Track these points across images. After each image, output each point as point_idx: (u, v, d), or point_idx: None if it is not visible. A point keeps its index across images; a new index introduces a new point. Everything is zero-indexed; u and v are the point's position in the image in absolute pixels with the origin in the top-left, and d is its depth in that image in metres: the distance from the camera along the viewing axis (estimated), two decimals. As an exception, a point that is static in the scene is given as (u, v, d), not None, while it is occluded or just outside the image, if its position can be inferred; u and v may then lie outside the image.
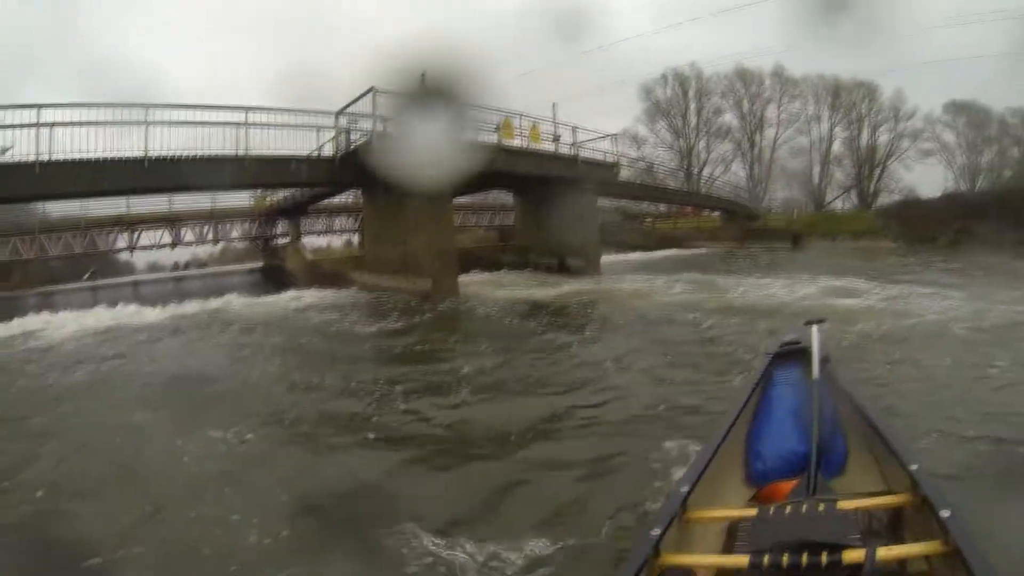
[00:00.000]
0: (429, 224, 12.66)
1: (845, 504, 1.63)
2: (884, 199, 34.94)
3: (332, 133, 13.50)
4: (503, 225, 25.19)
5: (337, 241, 25.35)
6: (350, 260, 16.64)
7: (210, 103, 12.65)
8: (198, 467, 3.70)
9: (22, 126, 10.95)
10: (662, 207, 32.34)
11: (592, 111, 34.23)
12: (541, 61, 53.61)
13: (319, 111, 13.47)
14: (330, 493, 3.27)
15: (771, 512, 1.62)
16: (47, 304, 14.42)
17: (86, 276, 21.99)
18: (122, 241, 19.75)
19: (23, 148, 10.91)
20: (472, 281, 14.20)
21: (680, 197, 29.37)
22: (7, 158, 11.20)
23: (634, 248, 25.56)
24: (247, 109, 12.76)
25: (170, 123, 12.00)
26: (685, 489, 1.82)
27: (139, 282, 20.21)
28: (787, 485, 1.94)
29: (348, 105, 13.36)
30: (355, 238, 22.96)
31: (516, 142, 15.83)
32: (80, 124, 11.24)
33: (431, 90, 11.71)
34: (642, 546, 1.58)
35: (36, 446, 4.22)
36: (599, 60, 48.72)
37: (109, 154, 11.43)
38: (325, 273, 16.54)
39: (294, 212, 20.45)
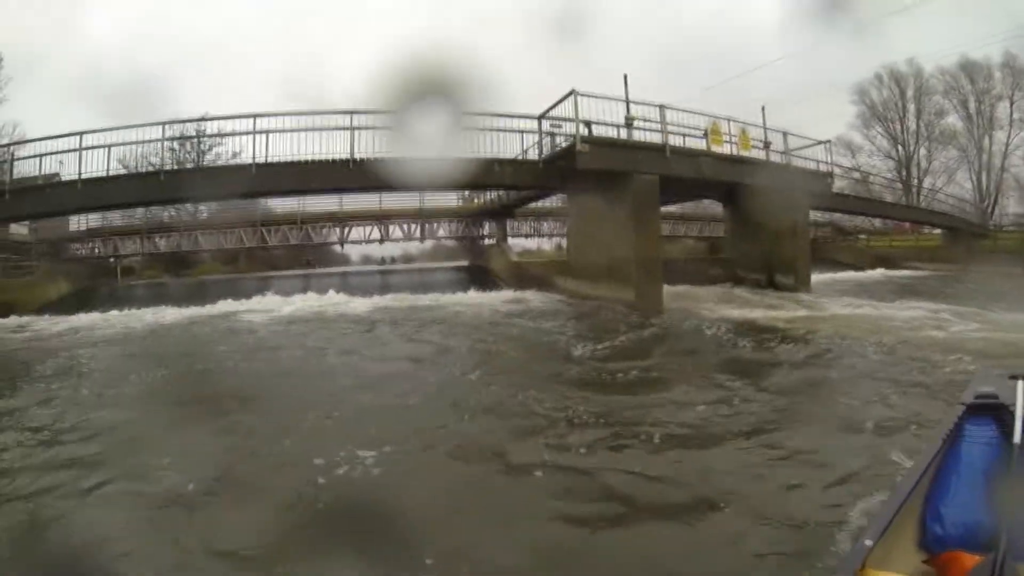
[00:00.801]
0: (635, 232, 11.98)
1: None
2: None
3: (536, 137, 13.41)
4: (712, 236, 23.91)
5: (546, 245, 25.69)
6: (554, 264, 16.49)
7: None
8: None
9: (243, 133, 12.59)
10: (876, 222, 28.75)
11: (802, 117, 31.34)
12: (748, 63, 50.42)
13: (523, 115, 13.44)
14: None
15: None
16: (264, 287, 16.30)
17: (304, 264, 24.58)
18: (334, 235, 21.66)
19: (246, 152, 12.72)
20: (678, 294, 13.19)
21: (898, 211, 25.80)
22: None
23: (845, 266, 22.94)
24: (454, 113, 13.08)
25: (373, 127, 12.70)
26: (868, 543, 1.71)
27: (348, 273, 21.97)
28: (967, 559, 1.72)
29: (550, 108, 13.17)
30: (563, 242, 22.50)
31: (724, 148, 14.70)
32: (291, 130, 12.53)
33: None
34: None
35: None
36: (807, 61, 44.78)
37: (317, 156, 12.40)
38: (529, 276, 16.66)
39: (501, 214, 20.92)
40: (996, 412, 2.37)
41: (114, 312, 13.79)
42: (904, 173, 34.13)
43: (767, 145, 16.01)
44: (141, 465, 3.72)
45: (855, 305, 11.88)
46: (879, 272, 23.19)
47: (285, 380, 6.58)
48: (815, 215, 20.66)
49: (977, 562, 1.67)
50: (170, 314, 13.29)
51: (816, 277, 16.32)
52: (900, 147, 35.08)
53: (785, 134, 16.65)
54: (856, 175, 24.16)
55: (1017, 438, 2.12)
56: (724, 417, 4.59)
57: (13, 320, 13.21)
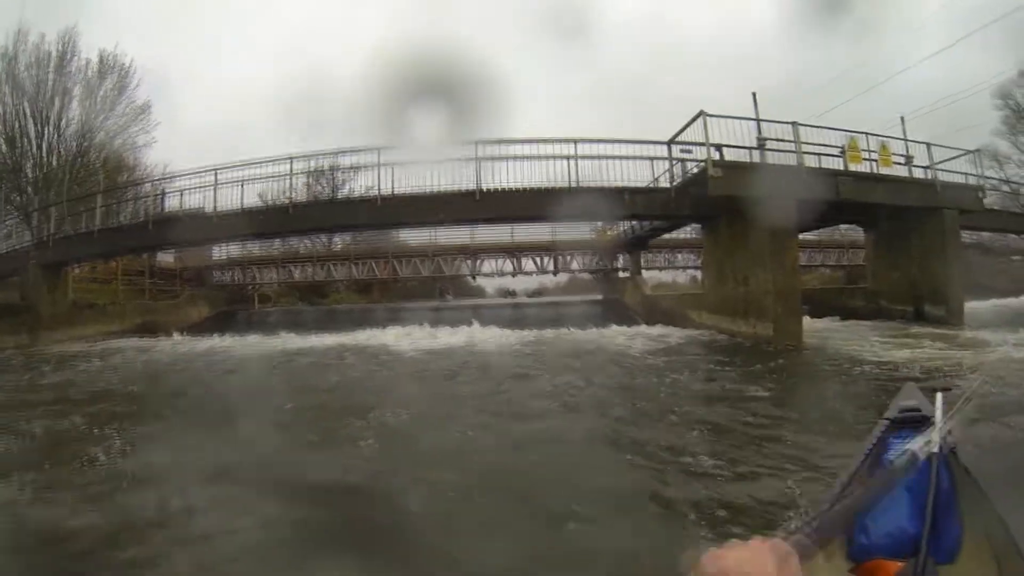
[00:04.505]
0: (771, 262, 11.25)
1: None
2: None
3: (667, 164, 12.93)
4: (851, 264, 22.58)
5: (681, 277, 25.20)
6: (689, 297, 15.76)
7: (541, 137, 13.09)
8: None
9: (368, 167, 13.19)
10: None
11: (942, 127, 28.50)
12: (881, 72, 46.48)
13: (652, 141, 13.01)
14: None
15: None
16: (394, 318, 16.28)
17: (437, 295, 25.11)
18: (465, 268, 21.97)
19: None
20: (817, 329, 12.23)
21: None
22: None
23: (998, 293, 20.60)
24: (576, 141, 12.86)
25: (498, 158, 12.70)
26: None
27: (479, 306, 21.55)
28: (892, 566, 1.71)
29: (679, 132, 12.67)
30: (699, 274, 21.53)
31: (863, 167, 13.61)
32: (415, 163, 12.78)
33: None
34: None
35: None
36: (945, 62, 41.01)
37: (442, 188, 12.50)
38: (663, 310, 16.06)
39: (634, 246, 20.46)
40: (918, 424, 2.27)
41: (251, 336, 14.62)
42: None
43: (909, 159, 14.71)
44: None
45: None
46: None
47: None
48: (964, 235, 18.69)
49: (900, 568, 1.73)
50: (298, 340, 13.57)
51: (969, 306, 14.68)
52: (1055, 152, 31.26)
53: (928, 145, 15.27)
54: (1005, 189, 21.52)
55: (935, 448, 2.02)
56: None
57: (166, 340, 14.30)
